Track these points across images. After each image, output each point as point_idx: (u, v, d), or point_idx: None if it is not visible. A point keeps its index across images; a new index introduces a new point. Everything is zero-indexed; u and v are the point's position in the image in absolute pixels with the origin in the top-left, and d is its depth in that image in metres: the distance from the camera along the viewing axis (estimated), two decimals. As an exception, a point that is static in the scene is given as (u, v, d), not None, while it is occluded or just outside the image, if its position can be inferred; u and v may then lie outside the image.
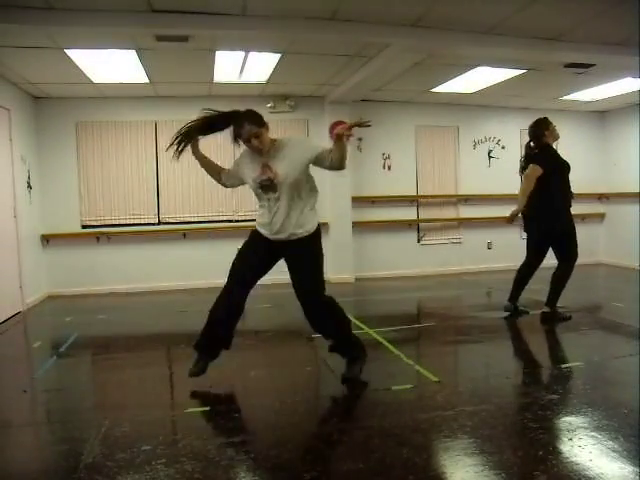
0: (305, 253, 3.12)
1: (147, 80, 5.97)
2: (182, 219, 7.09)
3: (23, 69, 5.39)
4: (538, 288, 6.42)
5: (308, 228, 3.10)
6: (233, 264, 3.23)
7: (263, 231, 3.15)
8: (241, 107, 3.19)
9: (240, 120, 3.01)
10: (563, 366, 3.56)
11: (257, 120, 3.02)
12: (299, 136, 3.10)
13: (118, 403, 3.15)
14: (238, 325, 3.60)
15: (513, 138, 8.26)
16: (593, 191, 8.63)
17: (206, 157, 3.35)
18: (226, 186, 3.47)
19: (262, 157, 3.06)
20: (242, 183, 3.32)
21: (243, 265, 3.19)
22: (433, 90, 6.96)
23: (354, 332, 3.33)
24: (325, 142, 7.24)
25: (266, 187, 3.05)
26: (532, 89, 6.96)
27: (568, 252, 4.74)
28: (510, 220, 4.75)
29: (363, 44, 4.92)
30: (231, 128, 3.05)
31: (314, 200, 3.18)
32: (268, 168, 3.03)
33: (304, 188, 3.10)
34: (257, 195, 3.17)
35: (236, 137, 3.05)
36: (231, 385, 3.52)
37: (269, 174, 3.02)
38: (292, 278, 3.17)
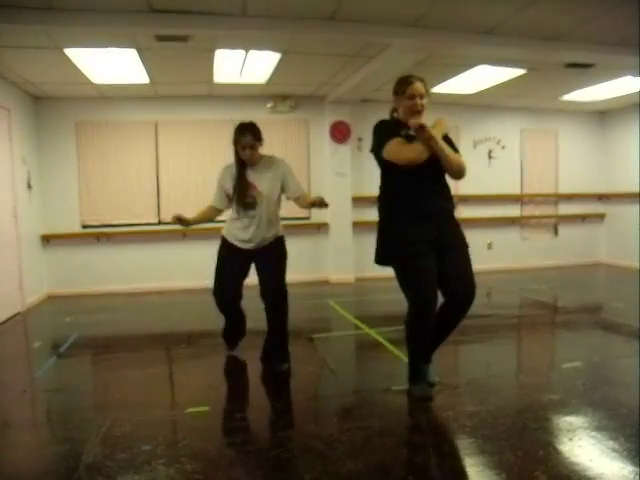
0: (273, 254, 3.50)
1: (147, 80, 5.96)
2: (182, 219, 7.07)
3: (23, 69, 5.39)
4: (535, 288, 6.45)
5: (277, 231, 3.54)
6: (220, 280, 3.57)
7: (238, 243, 3.50)
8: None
9: (244, 130, 3.39)
10: (563, 366, 3.56)
11: (257, 134, 3.41)
12: (285, 162, 3.47)
13: (118, 403, 3.14)
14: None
15: (513, 138, 8.26)
16: (593, 191, 8.64)
17: (196, 217, 3.69)
18: (225, 209, 3.69)
19: (249, 169, 3.44)
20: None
21: (231, 281, 3.56)
22: (433, 90, 6.95)
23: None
24: (325, 142, 7.29)
25: (250, 204, 3.43)
26: (532, 89, 6.96)
27: None
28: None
29: (363, 44, 4.92)
30: (233, 136, 3.42)
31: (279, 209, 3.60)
32: (253, 187, 3.41)
33: (278, 201, 3.52)
34: (237, 211, 3.50)
35: (235, 143, 3.41)
36: (231, 385, 3.53)
37: (253, 192, 3.41)
38: (260, 277, 3.52)
